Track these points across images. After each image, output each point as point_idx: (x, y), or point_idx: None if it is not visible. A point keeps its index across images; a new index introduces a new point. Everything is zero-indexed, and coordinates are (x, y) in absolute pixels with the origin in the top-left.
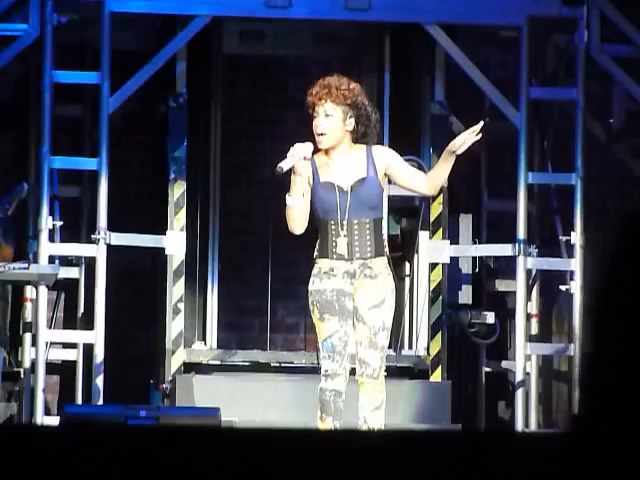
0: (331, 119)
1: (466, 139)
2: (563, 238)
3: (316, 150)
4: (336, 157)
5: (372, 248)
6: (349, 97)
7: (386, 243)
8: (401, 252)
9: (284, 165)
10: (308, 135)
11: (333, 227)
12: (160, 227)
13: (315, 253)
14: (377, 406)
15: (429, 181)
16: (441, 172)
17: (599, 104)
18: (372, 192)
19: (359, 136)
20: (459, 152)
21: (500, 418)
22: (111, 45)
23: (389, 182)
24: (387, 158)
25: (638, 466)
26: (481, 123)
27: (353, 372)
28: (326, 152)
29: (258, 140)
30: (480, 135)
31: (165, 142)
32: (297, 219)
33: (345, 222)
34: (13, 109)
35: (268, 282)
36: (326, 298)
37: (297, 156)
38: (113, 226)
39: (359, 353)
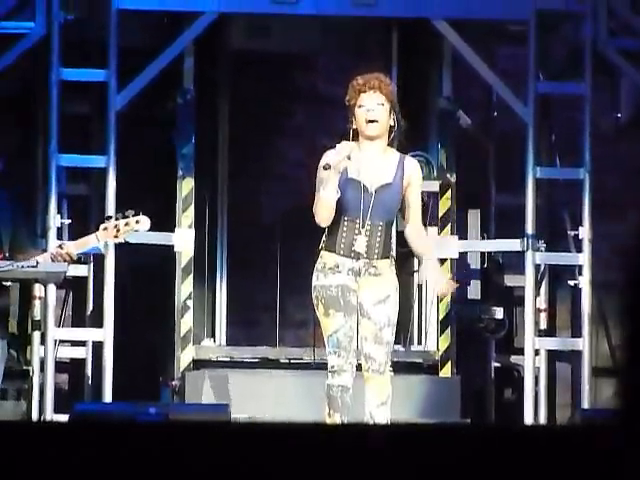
0: (383, 108)
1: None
2: (571, 233)
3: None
4: (370, 155)
5: (380, 250)
6: (394, 94)
7: (393, 246)
8: (409, 248)
9: (331, 162)
10: (316, 129)
11: (351, 224)
12: (169, 224)
13: (321, 245)
14: (383, 401)
15: (414, 233)
16: (422, 252)
17: (607, 98)
18: (393, 199)
19: (391, 139)
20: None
21: (509, 412)
22: (118, 42)
23: None
24: (413, 177)
25: None
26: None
27: (360, 368)
28: (361, 147)
29: (266, 135)
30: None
31: (173, 139)
32: (327, 212)
33: (368, 222)
34: (20, 107)
35: (277, 278)
36: (331, 294)
37: (344, 154)
38: None
39: (364, 348)
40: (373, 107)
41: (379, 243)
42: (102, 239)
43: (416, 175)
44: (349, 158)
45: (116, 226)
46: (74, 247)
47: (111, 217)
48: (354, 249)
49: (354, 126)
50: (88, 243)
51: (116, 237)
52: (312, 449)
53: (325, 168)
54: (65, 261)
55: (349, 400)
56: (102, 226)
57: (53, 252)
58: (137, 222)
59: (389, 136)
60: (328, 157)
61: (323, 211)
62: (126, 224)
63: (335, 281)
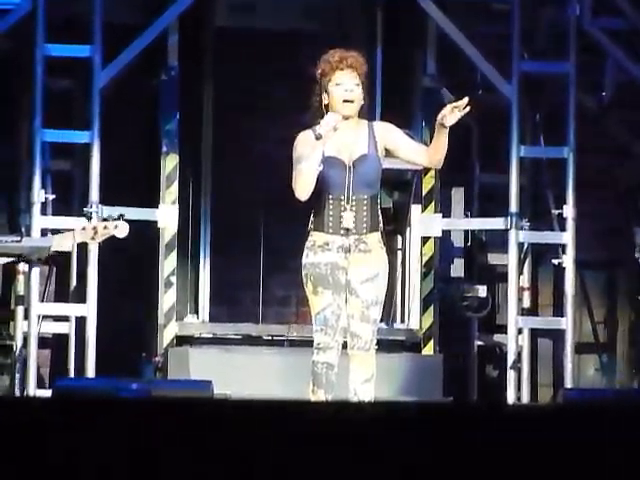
0: (359, 88)
1: (451, 113)
2: (555, 211)
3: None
4: (342, 130)
5: (367, 224)
6: (366, 72)
7: (380, 219)
8: (393, 225)
9: (322, 131)
10: (300, 107)
11: (336, 202)
12: (152, 200)
13: (310, 226)
14: (367, 378)
15: (430, 155)
16: (438, 146)
17: (591, 77)
18: (372, 169)
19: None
20: (447, 124)
21: (492, 391)
22: (103, 18)
23: (386, 156)
24: (387, 134)
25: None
26: (466, 99)
27: (345, 346)
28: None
29: (250, 112)
30: (468, 109)
31: (157, 115)
32: (308, 185)
33: (353, 197)
34: (3, 84)
35: (260, 255)
36: (320, 272)
37: (332, 124)
38: (105, 199)
39: (351, 326)
40: (352, 87)
41: (366, 217)
42: (78, 239)
43: (388, 131)
44: (335, 129)
45: (94, 228)
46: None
47: (91, 213)
48: (342, 225)
49: (326, 101)
50: (63, 242)
51: (93, 239)
52: (295, 425)
53: (317, 138)
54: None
55: (334, 378)
56: (80, 227)
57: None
58: (115, 227)
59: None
60: (319, 129)
61: (303, 184)
62: (104, 227)
63: (325, 259)
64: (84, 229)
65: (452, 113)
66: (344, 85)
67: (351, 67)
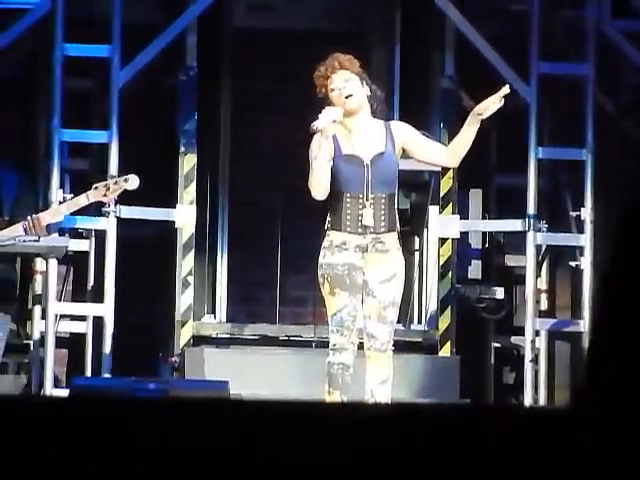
0: (351, 82)
1: (491, 103)
2: (573, 214)
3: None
4: (357, 129)
5: (386, 223)
6: (357, 65)
7: (397, 219)
8: (410, 227)
9: (318, 124)
10: (318, 108)
11: (354, 200)
12: (170, 200)
13: (327, 225)
14: (384, 379)
15: (450, 152)
16: (464, 139)
17: (610, 79)
18: (390, 167)
19: (373, 109)
20: (485, 116)
21: (509, 393)
22: (122, 18)
23: (402, 156)
24: (405, 134)
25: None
26: (507, 87)
27: (361, 347)
28: (347, 125)
29: (268, 112)
30: (502, 101)
31: (175, 115)
32: (323, 183)
33: (371, 195)
34: (23, 83)
35: (277, 255)
36: (337, 272)
37: (329, 117)
38: (123, 199)
39: (368, 327)
40: (342, 85)
41: (384, 216)
42: (92, 198)
43: (406, 131)
44: (335, 122)
45: (106, 185)
46: (49, 216)
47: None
48: (361, 223)
49: None
50: (79, 203)
51: (105, 196)
52: (311, 427)
53: (312, 130)
54: (36, 233)
55: (349, 379)
56: (94, 186)
57: (25, 223)
58: (125, 180)
59: (371, 107)
60: (316, 122)
61: (318, 182)
62: (115, 183)
63: (342, 259)
64: (96, 188)
65: (494, 104)
66: (336, 86)
67: (335, 70)
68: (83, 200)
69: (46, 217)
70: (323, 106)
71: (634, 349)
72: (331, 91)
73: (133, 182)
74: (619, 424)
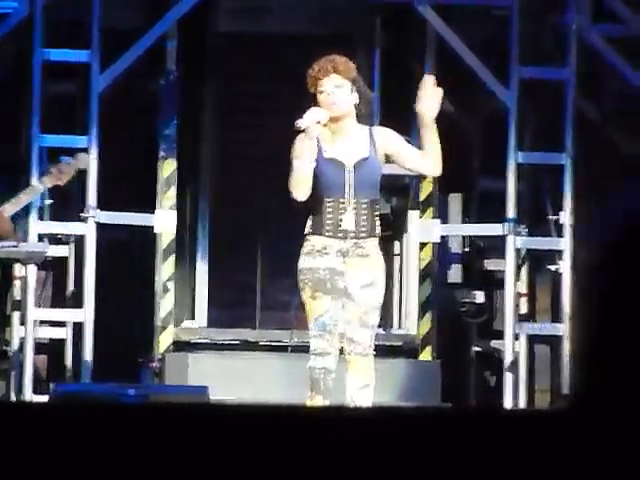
0: (341, 89)
1: (424, 96)
2: (553, 217)
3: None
4: (341, 134)
5: (367, 228)
6: (353, 72)
7: (378, 225)
8: (391, 231)
9: (302, 122)
10: (300, 112)
11: (335, 204)
12: (150, 205)
13: (307, 230)
14: (366, 384)
15: (425, 159)
16: (428, 143)
17: (591, 84)
18: (372, 173)
19: (359, 115)
20: (428, 112)
21: (489, 396)
22: (101, 23)
23: (385, 162)
24: (387, 140)
25: (628, 444)
26: (430, 77)
27: (343, 351)
28: (331, 128)
29: (248, 118)
30: (439, 90)
31: (155, 120)
32: (304, 184)
33: (353, 200)
34: (9, 88)
35: (258, 260)
36: (319, 276)
37: (314, 117)
38: (103, 204)
39: (348, 332)
40: (331, 90)
41: (365, 221)
42: (48, 183)
43: (389, 137)
44: (320, 123)
45: (58, 168)
46: (10, 207)
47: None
48: (342, 228)
49: None
50: (36, 190)
51: (60, 180)
52: (293, 431)
53: (296, 127)
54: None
55: (331, 383)
56: (48, 171)
57: None
58: (76, 159)
59: (359, 112)
60: (299, 120)
61: (299, 182)
62: (68, 164)
63: (323, 264)
64: (50, 173)
65: (428, 101)
66: (325, 91)
67: (328, 73)
68: (39, 186)
69: (7, 208)
70: (312, 106)
71: (630, 349)
72: (320, 93)
73: (84, 160)
74: (617, 425)
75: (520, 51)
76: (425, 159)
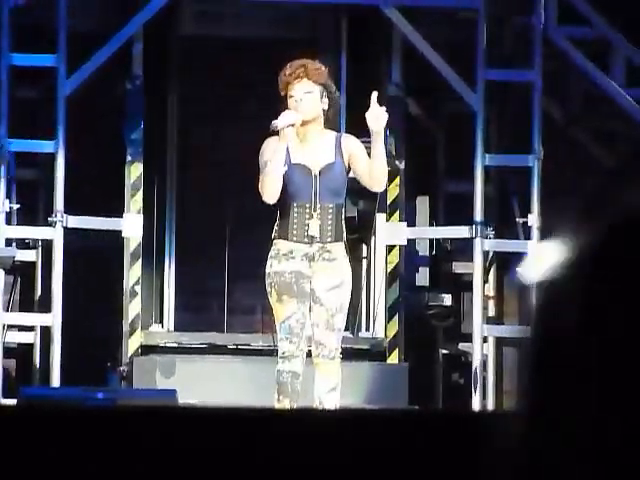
0: (310, 95)
1: (369, 112)
2: (520, 220)
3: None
4: (308, 139)
5: (332, 233)
6: (324, 77)
7: (344, 229)
8: (358, 234)
9: (278, 123)
10: (265, 116)
11: (301, 209)
12: (117, 209)
13: (274, 234)
14: (333, 387)
15: (371, 176)
16: (374, 157)
17: (557, 86)
18: (338, 178)
19: (327, 119)
20: (374, 129)
21: (457, 399)
22: (68, 27)
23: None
24: (353, 148)
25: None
26: (375, 93)
27: (310, 355)
28: (298, 133)
29: (215, 122)
30: (382, 109)
31: (122, 124)
32: (274, 187)
33: (318, 205)
34: None
35: (225, 264)
36: (285, 280)
37: (289, 120)
38: (70, 209)
39: (316, 335)
40: (300, 96)
41: (331, 226)
42: None
43: (355, 146)
44: (293, 126)
45: None
46: None
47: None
48: (307, 233)
49: None
50: None
51: None
52: (260, 434)
53: (272, 128)
54: None
55: (299, 386)
56: None
57: None
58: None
59: (327, 118)
60: (274, 121)
61: (270, 185)
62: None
63: (289, 267)
64: None
65: (370, 112)
66: (295, 96)
67: (299, 77)
68: None
69: None
70: (281, 108)
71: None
72: (289, 97)
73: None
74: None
75: (486, 54)
76: (370, 177)
